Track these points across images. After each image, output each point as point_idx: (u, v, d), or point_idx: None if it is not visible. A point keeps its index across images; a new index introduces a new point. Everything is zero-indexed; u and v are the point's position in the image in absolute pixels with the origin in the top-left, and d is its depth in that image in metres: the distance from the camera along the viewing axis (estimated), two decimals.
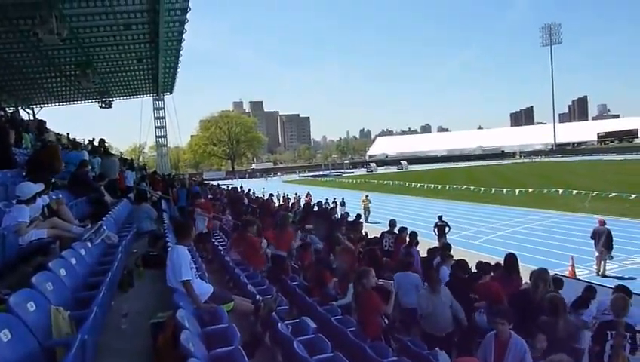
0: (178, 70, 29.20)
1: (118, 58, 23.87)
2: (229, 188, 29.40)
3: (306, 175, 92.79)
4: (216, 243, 10.22)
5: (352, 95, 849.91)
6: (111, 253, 5.84)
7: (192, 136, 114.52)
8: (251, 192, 26.81)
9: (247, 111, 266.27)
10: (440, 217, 18.14)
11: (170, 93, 37.58)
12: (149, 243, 8.19)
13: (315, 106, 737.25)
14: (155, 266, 6.55)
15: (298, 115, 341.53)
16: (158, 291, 5.54)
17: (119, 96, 33.55)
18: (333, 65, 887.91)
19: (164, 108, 40.77)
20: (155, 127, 42.04)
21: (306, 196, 33.69)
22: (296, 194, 33.41)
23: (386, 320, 5.91)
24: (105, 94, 30.99)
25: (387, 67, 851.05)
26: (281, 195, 33.23)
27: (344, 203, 28.54)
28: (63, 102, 32.30)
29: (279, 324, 4.71)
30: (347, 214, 14.91)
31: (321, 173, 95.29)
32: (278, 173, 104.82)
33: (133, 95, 34.88)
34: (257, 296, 5.41)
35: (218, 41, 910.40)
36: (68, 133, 21.80)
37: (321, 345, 4.57)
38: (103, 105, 31.59)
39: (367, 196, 29.58)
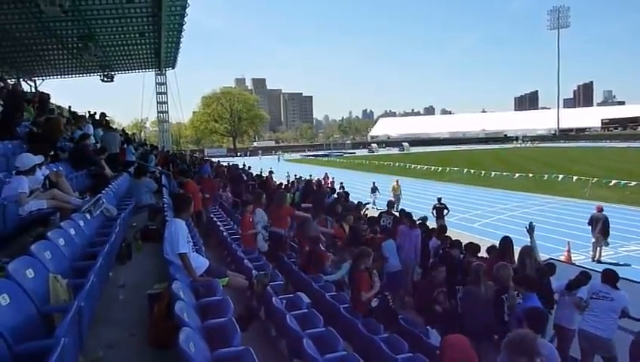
0: (180, 45, 28.93)
1: (121, 31, 23.62)
2: (230, 164, 29.10)
3: (306, 154, 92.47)
4: (214, 219, 10.30)
5: (356, 75, 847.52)
6: (109, 225, 5.91)
7: (193, 112, 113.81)
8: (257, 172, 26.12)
9: (249, 88, 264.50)
10: (439, 199, 18.20)
11: (173, 69, 37.32)
12: (148, 217, 8.30)
13: (319, 85, 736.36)
14: (153, 240, 6.65)
15: (301, 93, 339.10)
16: (156, 264, 5.64)
17: (121, 70, 33.32)
18: (338, 45, 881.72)
19: (166, 83, 40.45)
20: (157, 103, 41.76)
21: (324, 178, 29.98)
22: (310, 176, 28.47)
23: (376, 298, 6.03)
24: (107, 68, 30.80)
25: (392, 49, 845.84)
26: (292, 176, 29.86)
27: (376, 188, 25.61)
28: (64, 75, 32.06)
29: (273, 299, 4.80)
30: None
31: (322, 152, 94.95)
32: (279, 152, 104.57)
33: (135, 69, 34.62)
34: (253, 271, 5.50)
35: (222, 17, 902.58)
36: (69, 106, 21.75)
37: (313, 320, 4.67)
38: (105, 79, 31.45)
39: (397, 181, 25.61)
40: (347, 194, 15.30)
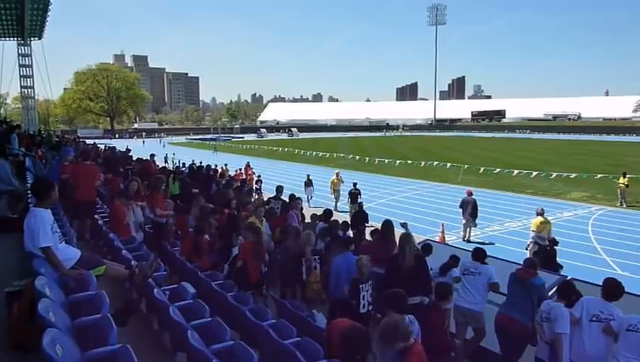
0: (48, 14, 26.04)
1: None
2: (106, 147, 26.86)
3: (191, 138, 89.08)
4: None
5: (245, 59, 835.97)
6: None
7: (65, 89, 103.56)
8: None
9: (129, 65, 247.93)
10: (354, 184, 18.85)
11: (39, 39, 33.46)
12: (8, 206, 7.37)
13: (206, 67, 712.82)
14: (13, 230, 5.91)
15: (187, 73, 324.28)
16: (17, 258, 5.01)
17: None
18: (226, 26, 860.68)
19: (31, 55, 36.05)
20: (20, 76, 37.12)
21: (245, 169, 26.30)
22: (225, 165, 26.73)
23: (265, 268, 6.82)
24: None
25: (282, 34, 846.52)
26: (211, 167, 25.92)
27: (311, 182, 22.05)
28: None
29: (155, 290, 4.53)
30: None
31: (209, 136, 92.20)
32: (163, 134, 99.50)
33: None
34: (133, 262, 5.14)
35: None
36: None
37: (199, 310, 4.49)
38: None
39: (338, 175, 22.01)
40: (244, 181, 15.08)
